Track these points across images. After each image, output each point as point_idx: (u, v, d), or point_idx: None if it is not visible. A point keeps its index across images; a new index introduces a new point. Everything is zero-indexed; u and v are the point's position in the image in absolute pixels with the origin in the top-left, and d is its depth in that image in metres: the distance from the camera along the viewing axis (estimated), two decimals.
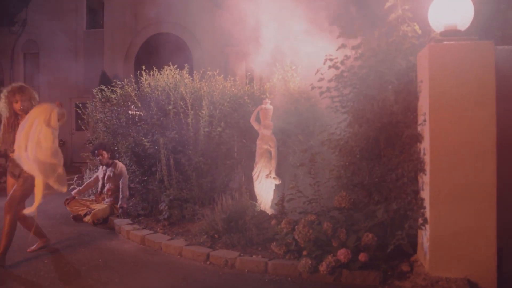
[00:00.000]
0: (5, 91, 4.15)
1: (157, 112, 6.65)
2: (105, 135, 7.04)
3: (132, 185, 6.49)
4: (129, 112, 7.07)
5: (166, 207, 5.34)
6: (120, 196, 5.82)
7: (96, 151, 6.11)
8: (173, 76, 6.73)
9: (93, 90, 7.59)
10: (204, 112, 6.22)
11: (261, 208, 5.16)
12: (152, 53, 12.62)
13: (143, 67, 7.03)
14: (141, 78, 6.94)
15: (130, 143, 6.62)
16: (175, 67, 6.82)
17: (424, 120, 3.30)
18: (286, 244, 3.92)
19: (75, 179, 7.01)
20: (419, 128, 3.47)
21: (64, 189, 4.00)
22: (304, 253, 3.73)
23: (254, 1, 5.85)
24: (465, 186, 3.16)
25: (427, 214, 3.28)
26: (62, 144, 13.64)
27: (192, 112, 6.35)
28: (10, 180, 4.24)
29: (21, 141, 3.84)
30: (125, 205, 5.77)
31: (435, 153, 3.20)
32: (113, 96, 7.21)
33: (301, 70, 5.98)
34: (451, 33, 3.29)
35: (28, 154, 3.80)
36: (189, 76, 6.76)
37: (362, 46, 3.94)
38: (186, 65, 6.93)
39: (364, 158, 3.91)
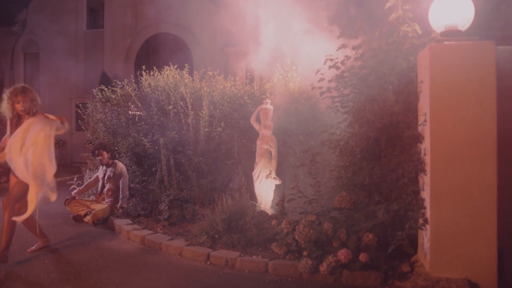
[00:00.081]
0: (7, 92, 4.21)
1: (157, 112, 6.65)
2: (105, 135, 7.03)
3: (132, 185, 6.49)
4: (129, 112, 7.07)
5: (166, 207, 5.34)
6: (120, 196, 5.82)
7: (96, 151, 6.11)
8: (173, 76, 6.73)
9: (93, 90, 7.59)
10: (204, 112, 6.22)
11: (261, 208, 5.16)
12: (152, 53, 12.61)
13: (143, 67, 7.03)
14: (141, 78, 6.94)
15: (130, 143, 6.62)
16: (175, 67, 6.82)
17: (425, 121, 3.30)
18: (287, 245, 3.92)
19: (75, 179, 7.01)
20: (419, 128, 3.47)
21: (54, 198, 4.08)
22: (305, 253, 3.72)
23: (254, 1, 5.85)
24: (466, 186, 3.16)
25: (428, 214, 3.28)
26: (62, 144, 13.65)
27: (192, 112, 6.35)
28: (12, 178, 4.26)
29: (14, 145, 3.88)
30: (125, 205, 5.77)
31: (436, 154, 3.20)
32: (113, 96, 7.21)
33: (301, 70, 5.98)
34: (451, 33, 3.29)
35: (23, 158, 3.85)
36: (189, 76, 6.76)
37: (362, 46, 3.93)
38: (186, 65, 6.93)
39: (364, 158, 3.91)
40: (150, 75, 6.91)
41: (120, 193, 5.83)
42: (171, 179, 6.19)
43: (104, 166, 6.16)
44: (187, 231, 4.91)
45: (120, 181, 5.91)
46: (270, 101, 5.43)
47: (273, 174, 5.28)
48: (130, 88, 6.87)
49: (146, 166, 6.65)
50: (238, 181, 6.02)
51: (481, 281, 3.12)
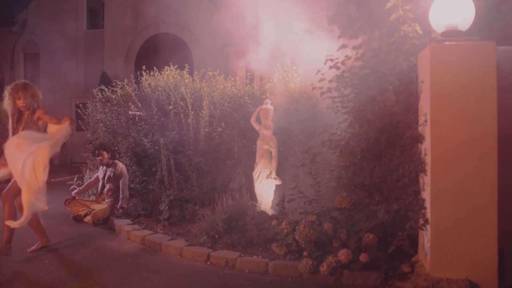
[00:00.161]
0: (8, 88, 4.28)
1: (158, 112, 6.65)
2: (105, 135, 7.03)
3: (132, 186, 6.49)
4: (130, 112, 7.07)
5: (167, 207, 5.34)
6: (121, 196, 5.82)
7: (96, 151, 6.11)
8: (173, 76, 6.73)
9: (93, 90, 7.59)
10: (204, 112, 6.22)
11: (261, 209, 5.15)
12: (152, 53, 12.62)
13: (143, 67, 7.03)
14: (142, 78, 6.94)
15: (130, 143, 6.62)
16: (175, 67, 6.82)
17: (425, 121, 3.30)
18: (287, 245, 3.92)
19: (75, 179, 7.01)
20: (420, 128, 3.46)
21: (46, 207, 4.12)
22: (305, 253, 3.72)
23: (254, 1, 5.85)
24: (466, 187, 3.15)
25: (428, 214, 3.28)
26: (62, 144, 13.63)
27: (192, 112, 6.35)
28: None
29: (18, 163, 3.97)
30: (125, 206, 5.77)
31: (436, 154, 3.20)
32: (113, 96, 7.21)
33: (301, 70, 5.98)
34: (452, 34, 3.29)
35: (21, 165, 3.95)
36: (190, 76, 6.76)
37: (363, 46, 3.93)
38: (186, 65, 6.93)
39: (364, 158, 3.91)
40: (150, 75, 6.91)
41: (120, 193, 5.83)
42: (171, 179, 6.19)
43: (104, 166, 6.16)
44: (187, 231, 4.91)
45: (120, 181, 5.91)
46: (270, 101, 5.43)
47: (274, 174, 5.28)
48: (130, 88, 6.87)
49: (146, 166, 6.65)
50: (238, 181, 6.02)
51: (481, 281, 3.12)
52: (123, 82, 7.05)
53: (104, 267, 3.98)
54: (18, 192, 4.12)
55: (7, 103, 4.27)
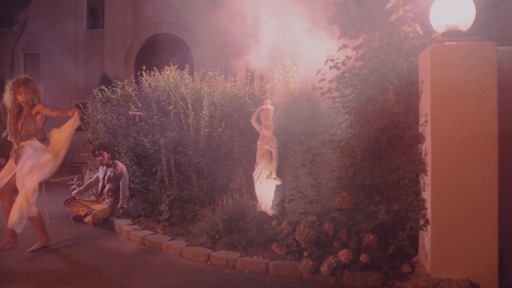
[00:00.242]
0: (10, 82, 4.30)
1: (158, 113, 6.64)
2: (105, 135, 7.03)
3: (132, 186, 6.48)
4: (130, 112, 7.07)
5: (167, 207, 5.34)
6: (121, 196, 5.81)
7: (96, 152, 6.11)
8: (173, 77, 6.72)
9: (94, 90, 7.58)
10: (204, 112, 6.21)
11: (261, 209, 5.15)
12: (152, 53, 12.61)
13: (144, 67, 7.03)
14: (142, 78, 6.94)
15: (130, 144, 6.61)
16: (175, 67, 6.82)
17: (426, 121, 3.30)
18: (287, 245, 3.92)
19: (75, 179, 7.01)
20: (420, 129, 3.46)
21: (35, 215, 4.28)
22: (305, 254, 3.72)
23: (254, 1, 5.85)
24: (467, 187, 3.15)
25: (429, 215, 3.27)
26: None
27: (192, 112, 6.35)
28: (12, 165, 4.32)
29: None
30: (125, 206, 5.76)
31: (437, 154, 3.19)
32: (113, 96, 7.21)
33: (302, 70, 5.97)
34: (453, 34, 3.29)
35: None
36: (190, 77, 6.76)
37: (363, 46, 3.93)
38: (186, 65, 6.93)
39: (365, 159, 3.91)
40: (150, 75, 6.91)
41: (121, 193, 5.83)
42: (172, 180, 6.18)
43: (105, 167, 6.16)
44: (187, 232, 4.90)
45: (121, 182, 5.90)
46: (270, 102, 5.43)
47: (274, 175, 5.28)
48: (131, 88, 6.87)
49: (146, 166, 6.64)
50: (239, 182, 6.02)
51: (482, 281, 3.12)
52: (123, 82, 7.05)
53: (104, 267, 3.98)
54: (15, 189, 4.13)
55: (7, 98, 4.29)
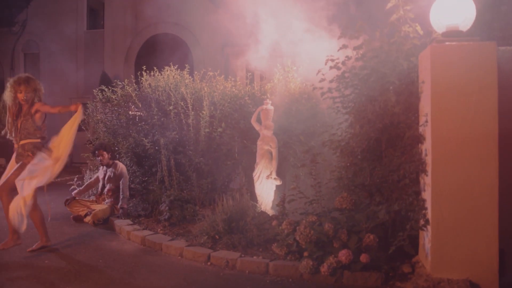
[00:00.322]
0: (11, 80, 4.30)
1: (158, 113, 6.64)
2: (105, 135, 7.03)
3: (132, 186, 6.48)
4: (130, 112, 7.07)
5: (167, 207, 5.33)
6: (121, 196, 5.81)
7: (96, 152, 6.11)
8: (173, 77, 6.72)
9: (94, 90, 7.58)
10: (204, 112, 6.21)
11: (262, 209, 5.15)
12: (152, 53, 12.62)
13: (144, 67, 7.03)
14: (142, 78, 6.94)
15: (130, 144, 6.61)
16: (175, 67, 6.82)
17: (426, 121, 3.30)
18: (287, 245, 3.91)
19: (75, 179, 7.00)
20: (420, 129, 3.46)
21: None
22: (305, 254, 3.72)
23: (254, 1, 5.85)
24: (467, 187, 3.15)
25: (429, 215, 3.27)
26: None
27: (192, 112, 6.35)
28: (13, 164, 4.34)
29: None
30: (125, 206, 5.76)
31: (437, 154, 3.19)
32: (113, 96, 7.21)
33: (302, 70, 5.97)
34: (453, 34, 3.29)
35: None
36: (190, 77, 6.76)
37: (363, 46, 3.93)
38: (186, 65, 6.93)
39: (365, 159, 3.91)
40: (150, 75, 6.91)
41: (121, 193, 5.83)
42: (172, 180, 6.18)
43: (105, 167, 6.16)
44: (187, 232, 4.90)
45: (121, 182, 5.90)
46: (270, 102, 5.43)
47: (274, 175, 5.27)
48: (131, 89, 6.87)
49: (146, 166, 6.64)
50: (239, 182, 6.02)
51: (482, 281, 3.12)
52: (123, 82, 7.05)
53: (104, 267, 3.98)
54: (14, 187, 4.13)
55: (7, 95, 4.29)
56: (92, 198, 6.35)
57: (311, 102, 5.62)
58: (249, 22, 6.00)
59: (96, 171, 6.86)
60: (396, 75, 3.67)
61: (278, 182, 5.30)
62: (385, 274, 3.46)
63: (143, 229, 5.08)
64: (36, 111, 4.29)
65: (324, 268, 3.51)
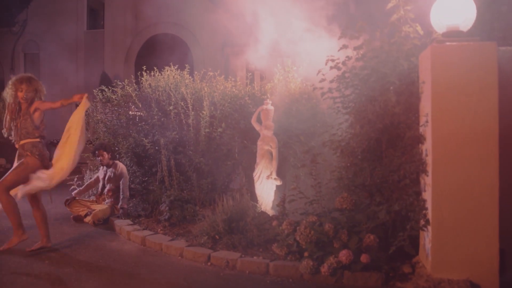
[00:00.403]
0: (13, 78, 4.32)
1: (158, 113, 6.64)
2: (105, 135, 7.03)
3: (132, 186, 6.48)
4: (130, 112, 7.06)
5: (167, 208, 5.33)
6: (121, 196, 5.81)
7: (96, 152, 6.11)
8: (173, 77, 6.72)
9: (94, 90, 7.58)
10: (205, 112, 6.21)
11: (262, 209, 5.15)
12: (152, 53, 12.62)
13: (144, 67, 7.02)
14: (142, 78, 6.93)
15: (130, 144, 6.61)
16: (175, 67, 6.81)
17: (426, 121, 3.29)
18: (288, 245, 3.91)
19: (75, 179, 7.00)
20: (421, 129, 3.46)
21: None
22: (306, 254, 3.72)
23: (254, 1, 5.85)
24: (467, 187, 3.15)
25: (429, 215, 3.27)
26: None
27: (193, 112, 6.35)
28: (16, 162, 4.37)
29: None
30: (125, 206, 5.76)
31: (437, 154, 3.19)
32: (113, 96, 7.20)
33: (302, 70, 5.97)
34: (453, 34, 3.29)
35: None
36: (190, 77, 6.76)
37: (363, 47, 3.93)
38: (187, 65, 6.92)
39: (365, 159, 3.90)
40: (150, 76, 6.91)
41: (121, 193, 5.83)
42: (172, 180, 6.18)
43: (105, 167, 6.15)
44: (187, 232, 4.90)
45: (121, 182, 5.90)
46: (271, 102, 5.42)
47: (274, 175, 5.27)
48: (131, 89, 6.87)
49: (146, 166, 6.64)
50: (239, 182, 6.01)
51: (482, 282, 3.12)
52: (123, 82, 7.05)
53: (104, 267, 3.98)
54: (12, 184, 4.12)
55: (7, 93, 4.29)
56: (92, 198, 6.35)
57: (312, 102, 5.62)
58: (249, 22, 6.01)
59: (96, 171, 6.85)
60: (397, 75, 3.67)
61: (278, 182, 5.29)
62: (386, 275, 3.46)
63: (143, 229, 5.07)
64: (35, 110, 4.28)
65: (324, 269, 3.51)
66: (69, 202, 5.99)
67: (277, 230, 4.17)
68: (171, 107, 6.46)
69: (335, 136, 4.19)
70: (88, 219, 5.66)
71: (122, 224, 5.24)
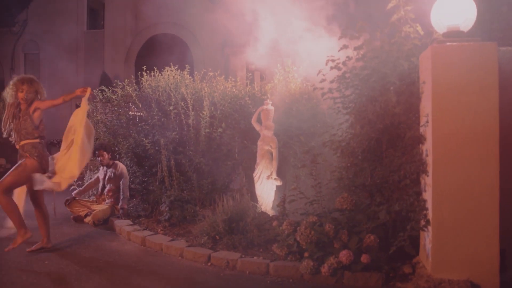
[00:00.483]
0: (15, 78, 4.32)
1: (158, 113, 6.64)
2: (105, 135, 7.03)
3: (132, 186, 6.48)
4: (130, 112, 7.06)
5: (167, 208, 5.33)
6: (121, 197, 5.81)
7: (96, 152, 6.09)
8: (174, 77, 6.72)
9: (94, 90, 7.55)
10: (205, 113, 6.21)
11: (262, 210, 5.15)
12: (152, 53, 12.62)
13: (144, 67, 7.02)
14: (142, 78, 6.93)
15: (130, 144, 6.61)
16: (175, 67, 6.81)
17: (427, 121, 3.29)
18: (288, 246, 3.91)
19: (75, 179, 7.00)
20: (421, 129, 3.46)
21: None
22: (306, 254, 3.71)
23: (254, 1, 5.85)
24: (468, 187, 3.15)
25: (430, 215, 3.27)
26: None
27: (193, 113, 6.35)
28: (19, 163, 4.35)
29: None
30: (125, 206, 5.76)
31: (438, 154, 3.19)
32: (113, 96, 7.21)
33: (302, 70, 5.97)
34: (453, 34, 3.29)
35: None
36: (190, 77, 6.76)
37: (364, 47, 3.93)
38: (187, 65, 6.92)
39: (366, 159, 3.90)
40: (150, 76, 6.91)
41: (121, 194, 5.83)
42: (172, 180, 6.17)
43: (105, 167, 6.15)
44: (187, 232, 4.90)
45: (121, 182, 5.90)
46: (271, 102, 5.42)
47: (274, 175, 5.27)
48: (131, 89, 6.87)
49: (146, 166, 6.64)
50: (239, 182, 6.01)
51: (483, 282, 3.11)
52: (123, 83, 7.05)
53: (104, 268, 3.97)
54: (8, 185, 4.11)
55: (8, 93, 4.29)
56: (92, 198, 6.34)
57: (312, 102, 5.62)
58: (249, 22, 6.00)
59: (96, 171, 6.85)
60: (397, 76, 3.67)
61: (279, 183, 5.29)
62: (386, 275, 3.46)
63: (143, 229, 5.07)
64: (35, 110, 4.27)
65: (324, 269, 3.51)
66: (69, 202, 5.99)
67: (277, 230, 4.17)
68: (171, 107, 6.46)
69: (335, 137, 4.19)
70: (88, 219, 5.66)
71: (122, 225, 5.24)
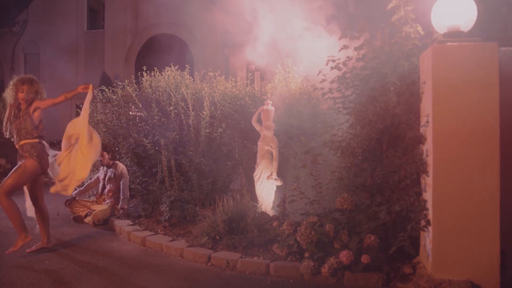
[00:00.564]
0: (15, 78, 4.33)
1: (158, 113, 6.64)
2: (105, 136, 7.02)
3: (133, 186, 6.48)
4: (130, 113, 7.06)
5: (167, 208, 5.33)
6: (121, 197, 5.80)
7: None
8: (174, 77, 6.72)
9: (94, 90, 7.56)
10: (205, 113, 6.21)
11: (262, 210, 5.14)
12: (152, 53, 12.63)
13: (144, 67, 7.02)
14: (142, 78, 6.93)
15: (131, 144, 6.61)
16: (176, 67, 6.81)
17: (427, 122, 3.29)
18: (288, 246, 3.91)
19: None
20: (421, 129, 3.46)
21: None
22: (306, 254, 3.71)
23: (254, 1, 5.85)
24: (468, 188, 3.15)
25: (430, 215, 3.27)
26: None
27: (193, 113, 6.34)
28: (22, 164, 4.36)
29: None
30: (125, 206, 5.75)
31: (438, 155, 3.19)
32: (113, 97, 7.20)
33: (302, 71, 5.97)
34: (454, 34, 3.28)
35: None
36: (190, 77, 6.75)
37: (364, 47, 3.93)
38: (187, 66, 6.92)
39: (366, 159, 3.90)
40: (150, 76, 6.91)
41: (121, 194, 5.82)
42: (172, 180, 6.17)
43: (105, 167, 6.15)
44: (188, 232, 4.89)
45: (121, 182, 5.89)
46: (271, 102, 5.42)
47: (274, 175, 5.27)
48: (131, 89, 6.86)
49: (146, 167, 6.64)
50: (239, 182, 6.01)
51: (483, 283, 3.11)
52: (123, 83, 7.05)
53: (104, 268, 3.97)
54: (9, 189, 4.10)
55: (8, 93, 4.30)
56: (93, 198, 6.34)
57: (312, 102, 5.62)
58: (249, 22, 6.00)
59: (97, 171, 6.85)
60: (397, 76, 3.66)
61: (279, 183, 5.29)
62: (386, 275, 3.46)
63: (144, 229, 5.07)
64: (35, 109, 4.26)
65: (325, 269, 3.51)
66: (69, 203, 5.99)
67: (278, 230, 4.16)
68: (171, 108, 6.46)
69: (335, 137, 4.19)
70: (88, 219, 5.66)
71: (122, 225, 5.24)
